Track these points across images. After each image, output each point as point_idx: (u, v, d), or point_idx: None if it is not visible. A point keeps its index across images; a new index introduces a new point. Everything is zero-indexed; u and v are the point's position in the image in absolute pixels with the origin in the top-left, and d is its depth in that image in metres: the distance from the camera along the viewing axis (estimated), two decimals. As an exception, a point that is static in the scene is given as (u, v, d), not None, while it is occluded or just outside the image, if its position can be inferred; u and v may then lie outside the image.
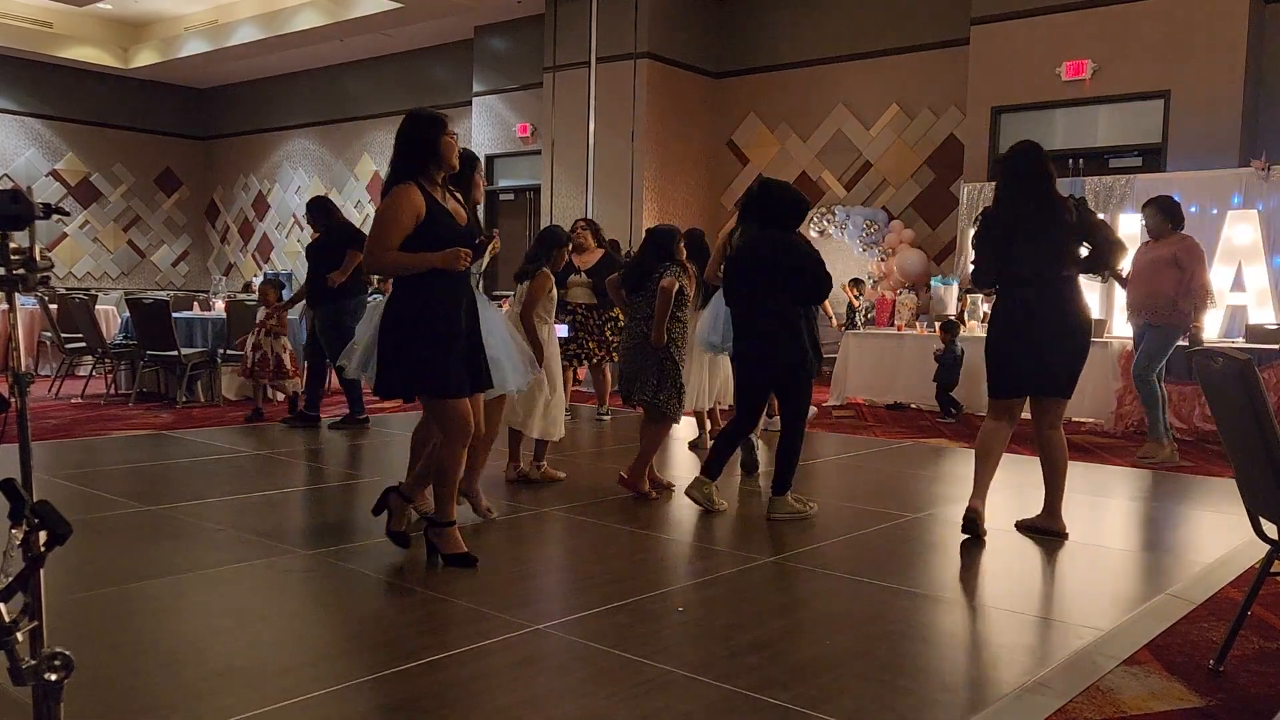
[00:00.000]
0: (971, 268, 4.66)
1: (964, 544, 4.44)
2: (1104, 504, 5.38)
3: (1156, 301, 6.46)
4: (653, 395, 5.08)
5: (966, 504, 4.47)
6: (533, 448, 5.56)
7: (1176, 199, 6.82)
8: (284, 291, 8.28)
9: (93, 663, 2.72)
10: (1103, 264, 4.48)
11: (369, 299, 7.47)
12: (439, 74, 16.74)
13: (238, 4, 16.50)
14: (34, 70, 18.14)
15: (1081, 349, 4.45)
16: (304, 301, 7.70)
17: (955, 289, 10.00)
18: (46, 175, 18.60)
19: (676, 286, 5.03)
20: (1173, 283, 6.40)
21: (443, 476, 3.85)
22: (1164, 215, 6.55)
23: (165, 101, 20.05)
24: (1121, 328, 8.46)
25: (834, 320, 10.70)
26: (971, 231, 6.43)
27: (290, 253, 18.72)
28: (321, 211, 7.57)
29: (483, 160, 15.46)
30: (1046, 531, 4.53)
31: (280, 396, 8.38)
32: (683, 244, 5.33)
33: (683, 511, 4.95)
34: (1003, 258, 4.41)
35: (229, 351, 8.67)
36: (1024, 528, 4.63)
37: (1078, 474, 6.08)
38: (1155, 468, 6.50)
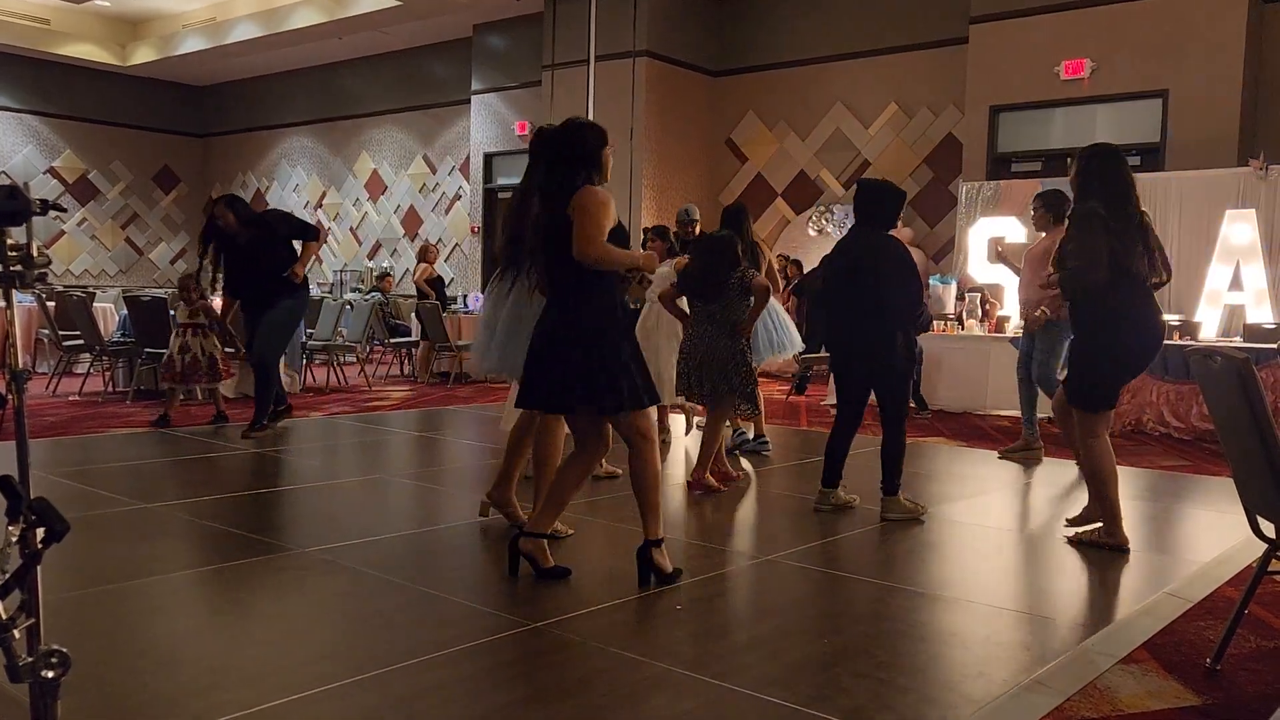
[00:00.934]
0: (1075, 268, 4.27)
1: (960, 543, 4.43)
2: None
3: (1044, 298, 6.24)
4: (741, 387, 5.19)
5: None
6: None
7: (1063, 193, 6.49)
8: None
9: (89, 660, 2.72)
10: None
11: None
12: (438, 72, 16.73)
13: (236, 1, 16.50)
14: (32, 67, 18.12)
15: None
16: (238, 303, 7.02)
17: (954, 288, 10.00)
18: (44, 172, 18.59)
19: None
20: (1034, 275, 6.28)
21: (651, 487, 3.61)
22: (1046, 209, 6.50)
23: (163, 99, 20.04)
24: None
25: None
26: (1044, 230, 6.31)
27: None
28: (245, 207, 6.97)
29: (481, 158, 15.49)
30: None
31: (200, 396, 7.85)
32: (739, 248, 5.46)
33: (680, 510, 4.95)
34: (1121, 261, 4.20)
35: (226, 350, 8.64)
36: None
37: (1072, 473, 6.08)
38: (1023, 461, 6.58)
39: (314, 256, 7.00)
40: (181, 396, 7.76)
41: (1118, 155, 4.37)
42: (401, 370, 12.25)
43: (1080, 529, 4.55)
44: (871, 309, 4.71)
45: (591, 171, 3.59)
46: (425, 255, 12.28)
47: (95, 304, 10.33)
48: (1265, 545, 2.92)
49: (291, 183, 19.16)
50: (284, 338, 7.03)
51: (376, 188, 17.85)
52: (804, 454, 6.79)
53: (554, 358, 3.54)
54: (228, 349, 7.62)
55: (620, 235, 3.78)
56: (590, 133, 3.65)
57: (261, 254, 6.71)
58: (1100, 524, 4.41)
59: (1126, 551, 4.29)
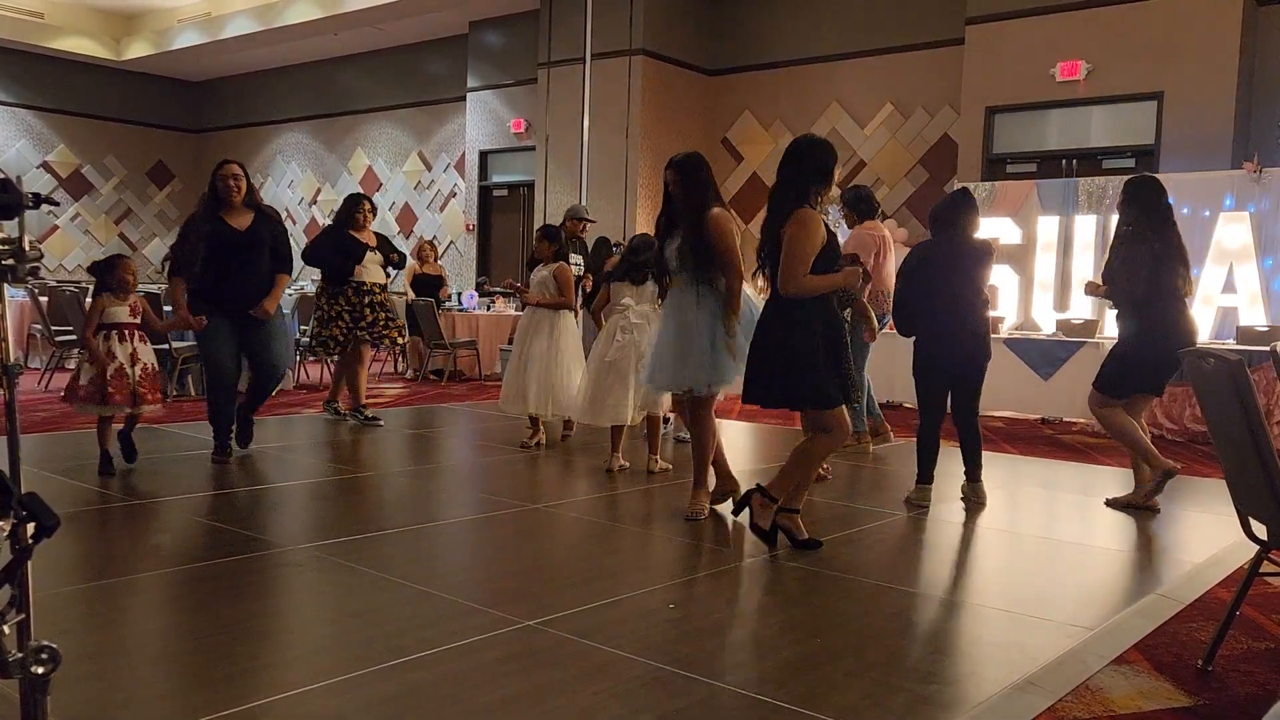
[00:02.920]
0: (1120, 282, 4.99)
1: (953, 543, 4.44)
2: (1095, 504, 5.39)
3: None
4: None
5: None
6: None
7: (864, 191, 7.08)
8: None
9: (79, 656, 2.71)
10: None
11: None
12: (433, 69, 16.71)
13: (231, -4, 16.46)
14: (25, 61, 18.06)
15: None
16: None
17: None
18: (37, 167, 18.52)
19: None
20: None
21: (810, 466, 4.18)
22: (848, 208, 6.89)
23: (157, 94, 19.99)
24: (1112, 329, 8.48)
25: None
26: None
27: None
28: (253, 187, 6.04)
29: (477, 156, 15.47)
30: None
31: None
32: None
33: (674, 508, 4.95)
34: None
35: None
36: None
37: (1069, 474, 6.11)
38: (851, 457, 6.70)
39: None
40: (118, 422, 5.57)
41: (1161, 185, 5.03)
42: (395, 368, 12.23)
43: (1117, 497, 5.26)
44: (971, 309, 5.06)
45: (811, 187, 4.00)
46: (418, 254, 12.26)
47: (88, 299, 10.29)
48: (1257, 547, 2.93)
49: (286, 179, 19.12)
50: (281, 348, 6.30)
51: (371, 184, 17.82)
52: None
53: (779, 357, 3.96)
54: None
55: (830, 251, 4.06)
56: (817, 145, 4.08)
57: (261, 247, 5.75)
58: (1134, 489, 5.18)
59: (1176, 471, 5.03)
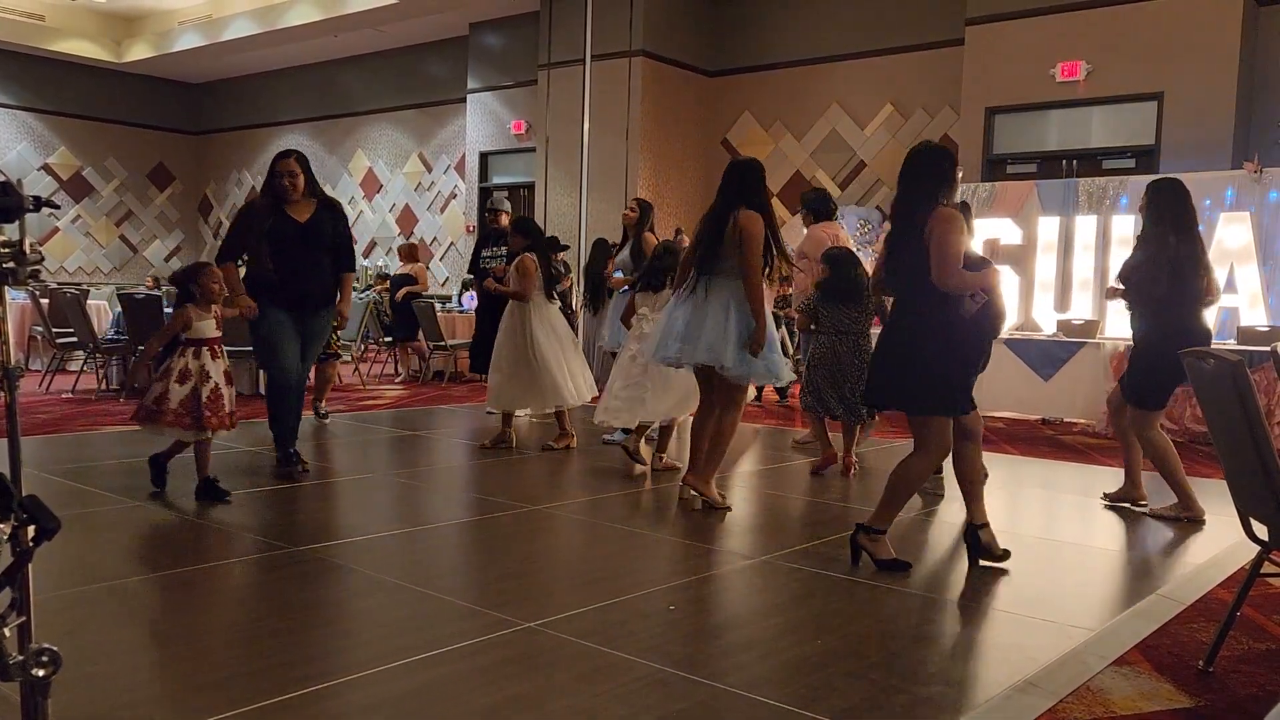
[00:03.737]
0: (1139, 282, 4.99)
1: (953, 544, 4.44)
2: (1095, 504, 5.39)
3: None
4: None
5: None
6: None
7: (821, 194, 7.31)
8: None
9: (80, 659, 2.71)
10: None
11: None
12: (434, 70, 16.72)
13: (232, -2, 16.47)
14: (26, 63, 18.08)
15: None
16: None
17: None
18: (38, 169, 18.54)
19: None
20: (808, 271, 6.74)
21: (910, 489, 3.98)
22: (805, 209, 7.08)
23: (158, 96, 20.00)
24: (1113, 329, 8.50)
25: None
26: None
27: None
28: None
29: (477, 157, 15.47)
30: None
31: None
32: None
33: (673, 509, 4.95)
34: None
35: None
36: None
37: (1069, 475, 6.10)
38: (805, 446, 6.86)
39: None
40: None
41: (1183, 188, 4.99)
42: (395, 370, 12.24)
43: (1155, 508, 5.18)
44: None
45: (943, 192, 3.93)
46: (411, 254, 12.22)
47: (89, 301, 10.31)
48: (1258, 547, 2.92)
49: (287, 180, 19.12)
50: (321, 346, 5.82)
51: (372, 186, 17.83)
52: (796, 455, 6.79)
53: (912, 362, 3.86)
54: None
55: (968, 252, 4.07)
56: (942, 154, 4.03)
57: (323, 239, 5.36)
58: (1175, 502, 5.07)
59: (1202, 523, 4.92)
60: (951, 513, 5.06)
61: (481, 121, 15.41)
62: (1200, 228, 5.01)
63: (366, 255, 17.92)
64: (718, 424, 4.87)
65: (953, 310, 3.85)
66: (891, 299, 4.15)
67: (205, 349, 4.72)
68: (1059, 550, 4.41)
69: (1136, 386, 5.04)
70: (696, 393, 5.25)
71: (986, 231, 9.98)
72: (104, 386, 9.39)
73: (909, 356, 3.86)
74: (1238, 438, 2.78)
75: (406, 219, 17.33)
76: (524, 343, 6.35)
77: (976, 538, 4.06)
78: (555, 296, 6.65)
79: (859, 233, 12.11)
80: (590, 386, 6.64)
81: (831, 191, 12.93)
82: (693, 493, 4.89)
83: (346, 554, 3.99)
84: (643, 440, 5.98)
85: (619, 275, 7.66)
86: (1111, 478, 6.24)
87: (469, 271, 10.02)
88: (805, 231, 7.16)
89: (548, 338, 6.40)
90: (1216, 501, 5.23)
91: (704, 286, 4.75)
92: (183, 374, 4.67)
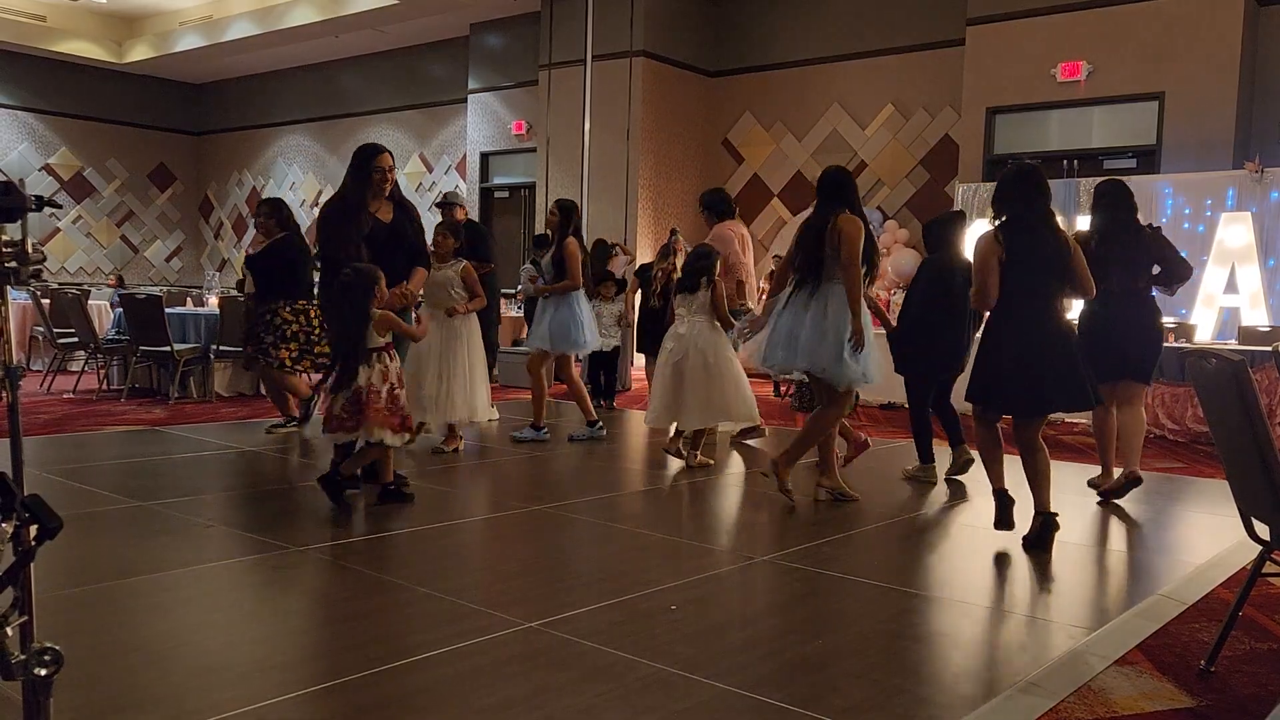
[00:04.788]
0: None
1: (954, 543, 4.44)
2: (1095, 504, 5.38)
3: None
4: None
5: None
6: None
7: (720, 194, 7.40)
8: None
9: (82, 658, 2.71)
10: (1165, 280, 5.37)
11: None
12: (434, 71, 16.72)
13: (233, -1, 16.48)
14: (28, 64, 18.09)
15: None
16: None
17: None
18: (40, 170, 18.55)
19: None
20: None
21: (1048, 476, 4.38)
22: (706, 209, 7.18)
23: (159, 96, 20.01)
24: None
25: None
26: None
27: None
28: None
29: (478, 158, 15.47)
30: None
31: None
32: None
33: (675, 510, 4.95)
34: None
35: (222, 348, 8.62)
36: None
37: (1069, 475, 6.10)
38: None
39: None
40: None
41: (1107, 188, 5.47)
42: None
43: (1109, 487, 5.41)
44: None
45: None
46: None
47: (90, 301, 10.32)
48: (1260, 547, 2.92)
49: (288, 181, 19.13)
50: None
51: (372, 186, 17.82)
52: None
53: (1061, 363, 4.21)
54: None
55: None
56: (1030, 172, 4.55)
57: (403, 241, 5.17)
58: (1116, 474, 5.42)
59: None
60: (954, 514, 5.06)
61: (482, 122, 15.42)
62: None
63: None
64: (813, 417, 5.10)
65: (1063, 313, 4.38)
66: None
67: (385, 353, 4.72)
68: (1060, 550, 4.40)
69: (1144, 362, 5.28)
70: (731, 404, 5.79)
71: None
72: (105, 387, 9.39)
73: (1064, 358, 4.23)
74: (1239, 438, 2.78)
75: (407, 219, 17.32)
76: (470, 350, 6.08)
77: (1045, 523, 4.30)
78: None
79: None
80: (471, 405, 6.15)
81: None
82: (823, 490, 5.17)
83: (348, 553, 3.99)
84: (681, 439, 6.17)
85: (528, 287, 7.55)
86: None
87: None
88: (711, 230, 7.18)
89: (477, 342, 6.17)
90: (1218, 502, 5.24)
91: (807, 292, 4.92)
92: (380, 378, 4.67)
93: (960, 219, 6.11)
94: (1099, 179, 5.86)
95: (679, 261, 7.19)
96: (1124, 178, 9.75)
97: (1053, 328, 4.25)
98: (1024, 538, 4.31)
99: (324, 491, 4.73)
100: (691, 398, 5.89)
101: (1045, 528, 4.26)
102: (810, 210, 5.23)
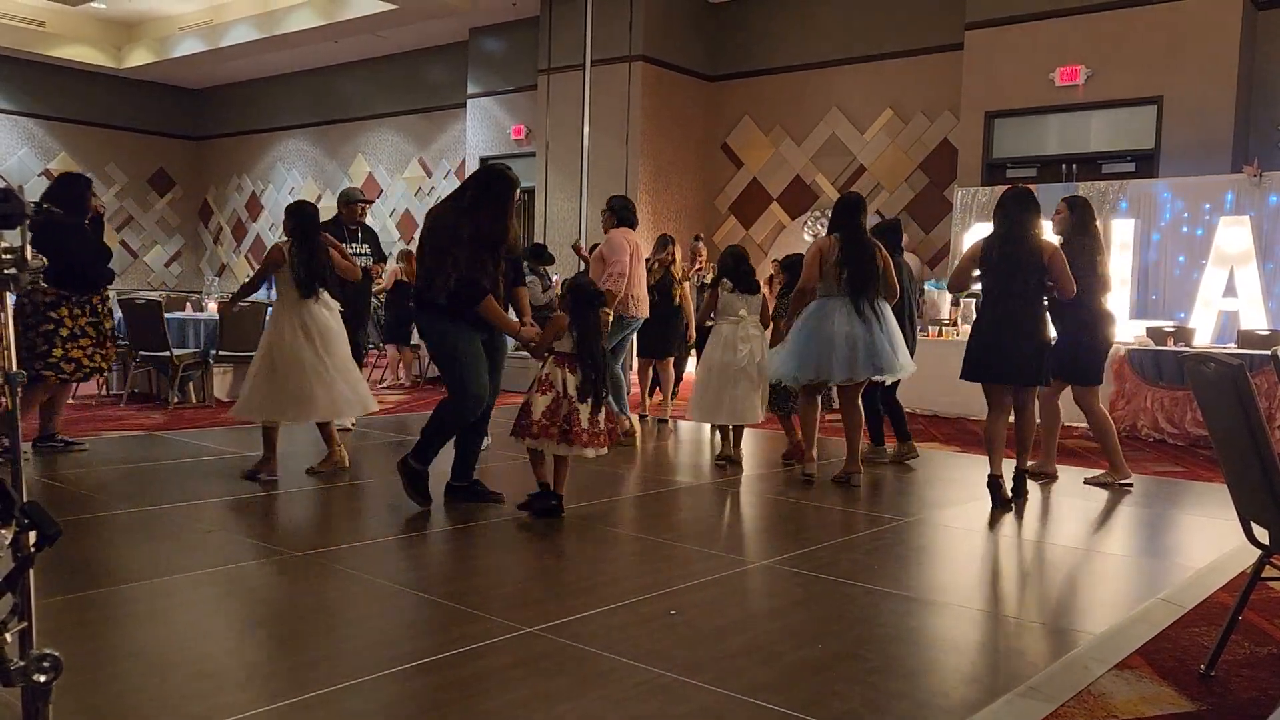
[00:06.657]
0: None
1: (954, 548, 4.44)
2: (1096, 508, 5.39)
3: None
4: None
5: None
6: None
7: (629, 203, 7.51)
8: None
9: (82, 664, 2.71)
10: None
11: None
12: (433, 76, 16.74)
13: (232, 4, 16.48)
14: (27, 69, 18.10)
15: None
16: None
17: (949, 293, 10.00)
18: (39, 175, 18.54)
19: None
20: (599, 273, 7.05)
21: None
22: (611, 213, 7.39)
23: (159, 101, 20.02)
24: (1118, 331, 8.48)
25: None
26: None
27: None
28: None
29: (477, 162, 15.48)
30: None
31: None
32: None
33: (675, 515, 4.95)
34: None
35: (222, 353, 8.62)
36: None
37: (1069, 478, 6.10)
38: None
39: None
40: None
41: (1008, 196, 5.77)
42: (396, 375, 12.23)
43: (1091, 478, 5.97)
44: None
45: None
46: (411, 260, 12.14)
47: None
48: (1259, 551, 2.92)
49: (287, 186, 19.14)
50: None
51: (372, 191, 17.84)
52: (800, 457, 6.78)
53: (1083, 344, 5.72)
54: None
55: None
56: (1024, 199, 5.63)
57: (501, 256, 5.06)
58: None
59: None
60: (948, 518, 5.06)
61: (481, 126, 15.43)
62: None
63: (367, 260, 17.92)
64: (848, 414, 5.84)
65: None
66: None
67: (566, 363, 4.64)
68: (1059, 554, 4.41)
69: (1084, 366, 5.92)
70: (751, 406, 6.13)
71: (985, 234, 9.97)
72: (105, 392, 9.39)
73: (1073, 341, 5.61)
74: (1239, 442, 2.78)
75: (407, 224, 17.33)
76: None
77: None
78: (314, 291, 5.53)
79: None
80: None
81: (829, 196, 12.97)
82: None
83: (347, 559, 3.99)
84: (717, 435, 6.72)
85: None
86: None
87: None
88: (607, 236, 7.27)
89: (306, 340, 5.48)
90: (1217, 505, 5.24)
91: (858, 308, 5.54)
92: (545, 384, 4.62)
93: (899, 228, 6.93)
94: (1150, 183, 6.00)
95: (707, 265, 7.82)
96: (1124, 179, 9.86)
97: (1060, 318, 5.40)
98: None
99: (535, 514, 4.73)
100: (755, 396, 6.17)
101: (1018, 481, 5.35)
102: (826, 230, 5.86)
